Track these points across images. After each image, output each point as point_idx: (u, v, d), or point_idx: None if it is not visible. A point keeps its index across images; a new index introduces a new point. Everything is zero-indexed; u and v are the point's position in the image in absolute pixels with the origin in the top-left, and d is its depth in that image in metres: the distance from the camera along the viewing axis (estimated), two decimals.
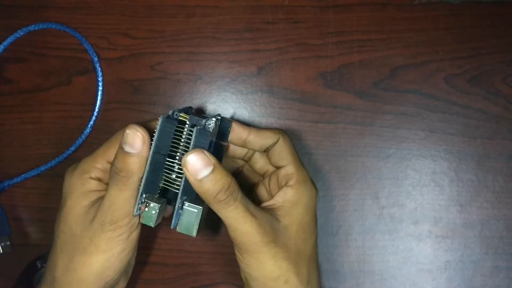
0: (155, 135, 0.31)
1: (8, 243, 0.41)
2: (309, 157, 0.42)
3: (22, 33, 0.43)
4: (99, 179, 0.34)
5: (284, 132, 0.37)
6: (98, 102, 0.42)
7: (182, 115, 0.32)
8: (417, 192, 0.42)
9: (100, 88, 0.42)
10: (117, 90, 0.43)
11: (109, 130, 0.42)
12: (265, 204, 0.35)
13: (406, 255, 0.41)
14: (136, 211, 0.31)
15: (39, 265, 0.40)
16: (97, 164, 0.33)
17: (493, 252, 0.41)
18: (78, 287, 0.33)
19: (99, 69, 0.42)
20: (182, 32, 0.43)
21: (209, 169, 0.30)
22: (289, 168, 0.35)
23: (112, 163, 0.31)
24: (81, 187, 0.33)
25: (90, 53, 0.42)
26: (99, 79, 0.42)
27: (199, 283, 0.42)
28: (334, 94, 0.42)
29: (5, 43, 0.42)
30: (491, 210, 0.41)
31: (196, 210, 0.31)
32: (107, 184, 0.33)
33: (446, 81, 0.42)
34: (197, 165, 0.30)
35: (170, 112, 0.33)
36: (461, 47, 0.42)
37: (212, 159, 0.30)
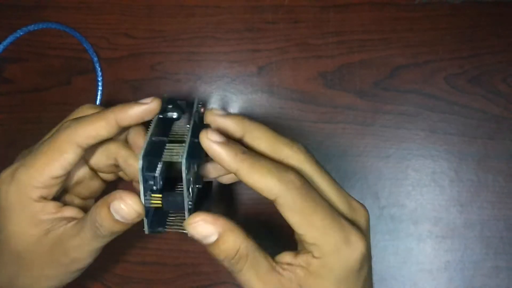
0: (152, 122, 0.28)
1: None
2: None
3: (22, 33, 0.43)
4: (44, 198, 0.29)
5: (297, 174, 0.26)
6: (98, 102, 0.42)
7: (153, 201, 0.27)
8: (417, 192, 0.42)
9: (100, 88, 0.42)
10: (117, 90, 0.43)
11: None
12: (288, 260, 0.28)
13: (406, 255, 0.41)
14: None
15: None
16: (38, 183, 0.29)
17: (494, 252, 0.41)
18: None
19: (99, 69, 0.42)
20: (182, 32, 0.43)
21: (213, 237, 0.26)
22: (306, 237, 0.26)
23: (94, 217, 0.27)
24: (22, 212, 0.29)
25: (90, 53, 0.42)
26: (99, 79, 0.42)
27: (198, 283, 0.42)
28: (334, 94, 0.42)
29: (5, 43, 0.42)
30: (492, 210, 0.41)
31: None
32: (54, 200, 0.30)
33: (447, 81, 0.42)
34: (200, 235, 0.26)
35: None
36: (461, 47, 0.42)
37: (219, 225, 0.26)
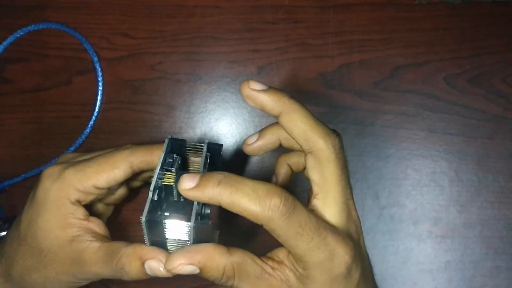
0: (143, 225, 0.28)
1: None
2: None
3: (22, 33, 0.43)
4: (78, 202, 0.31)
5: (283, 198, 0.26)
6: (98, 102, 0.42)
7: (166, 178, 0.29)
8: (417, 192, 0.42)
9: (100, 88, 0.42)
10: (117, 90, 0.43)
11: (109, 130, 0.42)
12: (281, 258, 0.28)
13: (406, 255, 0.41)
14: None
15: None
16: (81, 188, 0.31)
17: (493, 252, 0.41)
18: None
19: (99, 69, 0.42)
20: (182, 32, 0.43)
21: (197, 270, 0.27)
22: (291, 253, 0.27)
23: (122, 266, 0.29)
24: (57, 211, 0.31)
25: (90, 53, 0.42)
26: (99, 79, 0.42)
27: (198, 283, 0.42)
28: (334, 94, 0.42)
29: (5, 43, 0.42)
30: (491, 210, 0.41)
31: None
32: (84, 208, 0.31)
33: (446, 81, 0.42)
34: (182, 272, 0.27)
35: (151, 192, 0.28)
36: (461, 47, 0.42)
37: (196, 260, 0.27)
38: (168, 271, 0.27)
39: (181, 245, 0.28)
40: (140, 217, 0.27)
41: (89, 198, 0.31)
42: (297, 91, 0.42)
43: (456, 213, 0.41)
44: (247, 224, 0.42)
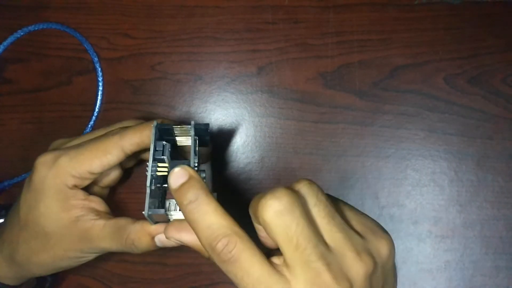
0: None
1: None
2: (309, 157, 0.42)
3: (22, 33, 0.43)
4: (76, 186, 0.32)
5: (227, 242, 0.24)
6: (98, 102, 0.42)
7: (160, 170, 0.30)
8: (417, 192, 0.42)
9: (100, 88, 0.42)
10: (117, 90, 0.43)
11: None
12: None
13: (406, 255, 0.41)
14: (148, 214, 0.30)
15: None
16: (76, 174, 0.31)
17: (493, 252, 0.41)
18: (35, 269, 0.34)
19: (99, 69, 0.42)
20: (182, 32, 0.43)
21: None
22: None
23: (130, 236, 0.31)
24: (56, 194, 0.31)
25: (90, 53, 0.42)
26: (99, 79, 0.42)
27: (198, 283, 0.42)
28: (334, 94, 0.42)
29: (5, 43, 0.42)
30: (491, 210, 0.41)
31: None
32: (81, 189, 0.32)
33: (446, 81, 0.42)
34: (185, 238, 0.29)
35: (148, 183, 0.29)
36: (461, 47, 0.42)
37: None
38: (171, 238, 0.28)
39: None
40: (143, 212, 0.28)
41: (85, 183, 0.32)
42: (297, 91, 0.42)
43: (456, 213, 0.41)
44: (246, 225, 0.42)
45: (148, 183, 0.29)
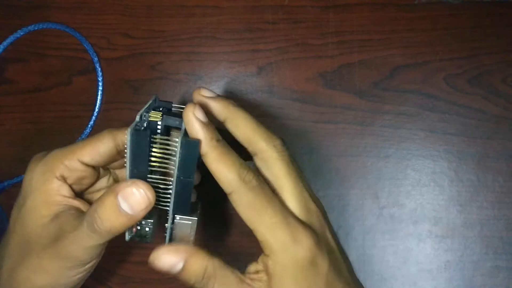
0: (127, 152, 0.27)
1: None
2: (309, 157, 0.42)
3: (22, 33, 0.43)
4: (63, 178, 0.31)
5: (256, 174, 0.28)
6: (98, 102, 0.42)
7: (152, 115, 0.29)
8: (417, 192, 0.42)
9: (100, 88, 0.42)
10: (117, 90, 0.43)
11: None
12: (254, 269, 0.29)
13: (406, 255, 0.41)
14: (128, 235, 0.29)
15: None
16: (66, 161, 0.30)
17: (493, 252, 0.41)
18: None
19: (99, 69, 0.42)
20: (182, 32, 0.43)
21: (180, 265, 0.28)
22: (257, 233, 0.28)
23: (95, 208, 0.28)
24: (42, 186, 0.30)
25: (90, 53, 0.42)
26: (99, 79, 0.42)
27: None
28: (334, 94, 0.42)
29: (5, 43, 0.42)
30: (491, 210, 0.41)
31: (190, 223, 0.29)
32: (69, 186, 0.31)
33: (446, 81, 0.42)
34: (167, 265, 0.28)
35: (138, 118, 0.29)
36: (461, 47, 0.42)
37: (182, 251, 0.27)
38: (153, 260, 0.28)
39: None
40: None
41: (73, 176, 0.31)
42: (297, 91, 0.42)
43: (456, 213, 0.41)
44: (245, 225, 0.42)
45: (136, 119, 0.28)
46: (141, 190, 0.27)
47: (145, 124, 0.29)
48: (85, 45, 0.42)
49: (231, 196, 0.28)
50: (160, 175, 0.29)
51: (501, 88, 0.41)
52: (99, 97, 0.42)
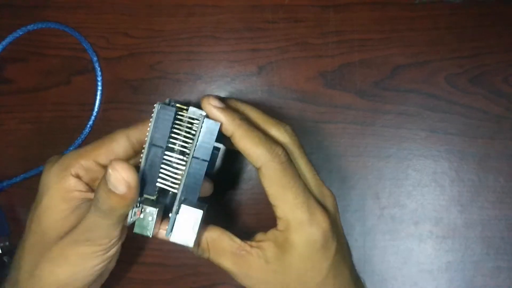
0: (151, 124, 0.29)
1: (7, 243, 0.41)
2: (310, 157, 0.41)
3: (21, 33, 0.42)
4: (78, 177, 0.31)
5: (284, 150, 0.30)
6: (98, 102, 0.42)
7: (179, 105, 0.30)
8: (418, 192, 0.42)
9: (100, 87, 0.42)
10: (117, 89, 0.42)
11: (108, 130, 0.42)
12: (259, 238, 0.31)
13: (407, 255, 0.41)
14: (130, 218, 0.29)
15: (6, 260, 0.39)
16: (81, 161, 0.31)
17: (494, 253, 0.41)
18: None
19: (99, 68, 0.42)
20: (182, 31, 0.42)
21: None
22: (278, 209, 0.30)
23: (96, 190, 0.28)
24: (58, 184, 0.31)
25: (90, 52, 0.42)
26: (99, 79, 0.42)
27: (198, 283, 0.42)
28: (335, 93, 0.42)
29: (4, 42, 0.42)
30: (492, 210, 0.41)
31: (195, 214, 0.28)
32: (86, 184, 0.31)
33: (447, 81, 0.42)
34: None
35: (167, 100, 0.30)
36: (462, 47, 0.42)
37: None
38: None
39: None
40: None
41: (89, 175, 0.31)
42: (297, 91, 0.42)
43: (457, 213, 0.41)
44: (247, 224, 0.42)
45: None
46: (115, 170, 0.27)
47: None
48: (84, 45, 0.42)
49: (260, 170, 0.29)
50: (177, 156, 0.30)
51: (502, 87, 0.41)
52: (98, 97, 0.42)
